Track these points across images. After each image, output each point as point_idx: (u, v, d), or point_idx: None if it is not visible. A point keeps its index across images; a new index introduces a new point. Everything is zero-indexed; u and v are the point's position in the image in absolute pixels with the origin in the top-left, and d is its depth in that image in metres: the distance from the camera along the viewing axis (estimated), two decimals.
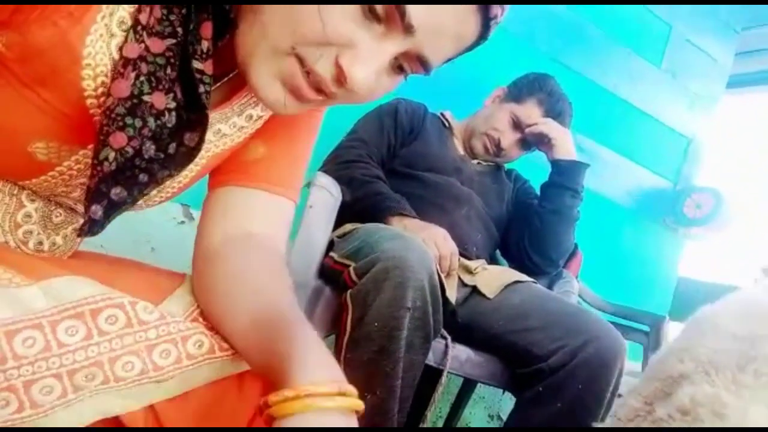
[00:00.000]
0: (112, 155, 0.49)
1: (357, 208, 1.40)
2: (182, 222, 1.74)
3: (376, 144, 1.56)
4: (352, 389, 0.49)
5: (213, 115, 0.62)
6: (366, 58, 0.50)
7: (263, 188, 0.69)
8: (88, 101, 0.50)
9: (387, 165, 1.58)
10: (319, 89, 0.52)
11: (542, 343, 1.23)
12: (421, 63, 0.54)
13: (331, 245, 1.34)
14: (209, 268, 0.66)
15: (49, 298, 0.51)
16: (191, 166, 0.61)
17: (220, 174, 0.71)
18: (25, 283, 0.51)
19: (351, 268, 1.15)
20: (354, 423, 0.48)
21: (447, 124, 1.75)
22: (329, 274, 1.25)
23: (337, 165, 1.46)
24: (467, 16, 0.52)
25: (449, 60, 0.57)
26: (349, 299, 1.11)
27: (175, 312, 0.60)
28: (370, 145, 1.54)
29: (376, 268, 1.09)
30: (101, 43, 0.49)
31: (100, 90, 0.50)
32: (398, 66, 0.54)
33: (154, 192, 0.60)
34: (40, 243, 0.63)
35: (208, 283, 0.64)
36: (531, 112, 1.63)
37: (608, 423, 0.76)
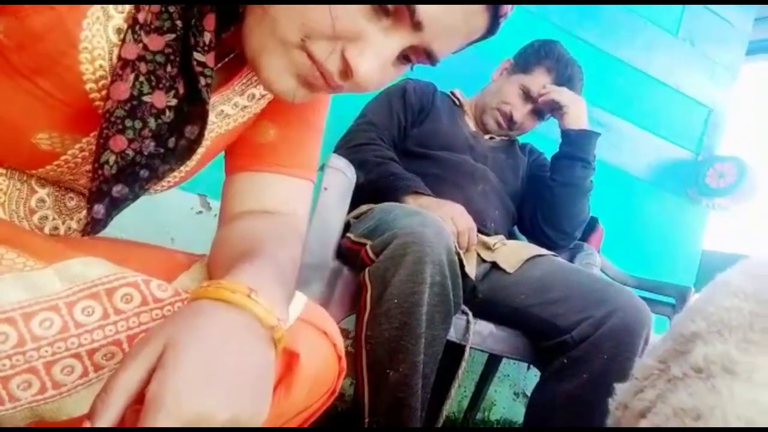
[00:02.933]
0: (112, 159, 0.50)
1: (371, 190, 1.39)
2: (200, 212, 1.75)
3: (386, 126, 1.55)
4: (269, 302, 0.46)
5: (215, 98, 0.62)
6: (373, 52, 0.50)
7: (278, 171, 0.70)
8: (88, 86, 0.50)
9: (399, 146, 1.57)
10: (329, 81, 0.52)
11: (566, 315, 1.22)
12: (428, 56, 0.54)
13: (347, 227, 1.34)
14: (219, 234, 0.67)
15: (63, 280, 0.51)
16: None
17: (234, 158, 0.71)
18: (39, 267, 0.51)
19: (368, 246, 1.14)
20: (247, 326, 0.45)
21: (457, 102, 1.73)
22: (347, 254, 1.25)
23: (349, 149, 1.45)
24: (477, 14, 0.52)
25: (456, 52, 0.57)
26: (368, 277, 1.11)
27: (189, 286, 0.60)
28: (380, 127, 1.53)
29: (394, 244, 1.09)
30: (98, 26, 0.48)
31: (98, 74, 0.50)
32: (404, 56, 0.54)
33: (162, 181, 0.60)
34: (56, 228, 0.64)
35: (214, 245, 0.66)
36: (540, 81, 1.60)
37: (627, 384, 0.77)
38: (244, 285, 0.46)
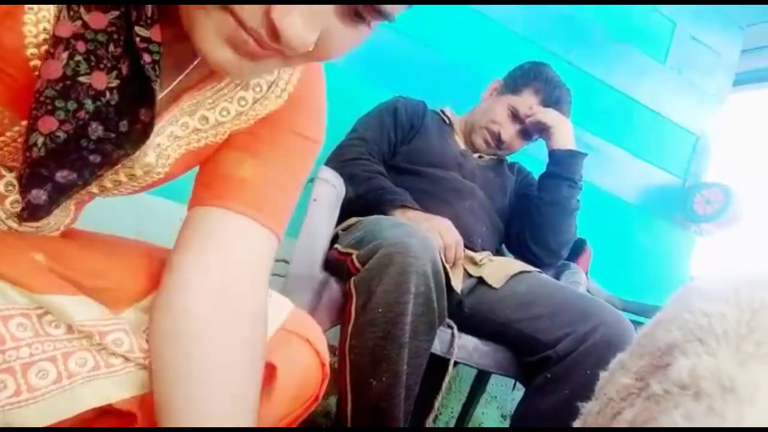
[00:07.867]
0: (40, 140, 0.46)
1: (360, 204, 1.41)
2: None
3: (376, 142, 1.57)
4: None
5: (182, 107, 0.58)
6: (299, 10, 0.42)
7: (252, 216, 0.61)
8: (29, 51, 0.46)
9: (389, 162, 1.59)
10: (262, 45, 0.45)
11: (549, 330, 1.22)
12: (377, 12, 0.45)
13: (335, 239, 1.35)
14: (178, 327, 0.58)
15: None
16: (163, 161, 0.58)
17: (201, 188, 0.63)
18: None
19: (354, 256, 1.15)
20: None
21: (447, 121, 1.76)
22: (334, 265, 1.26)
23: (339, 163, 1.47)
24: None
25: (411, 4, 0.48)
26: (353, 286, 1.12)
27: (133, 320, 0.61)
28: (370, 143, 1.55)
29: (379, 254, 1.09)
30: None
31: (42, 37, 0.46)
32: (355, 14, 0.46)
33: (124, 179, 0.57)
34: None
35: (170, 357, 0.58)
36: (529, 102, 1.63)
37: (597, 402, 0.70)
38: None
